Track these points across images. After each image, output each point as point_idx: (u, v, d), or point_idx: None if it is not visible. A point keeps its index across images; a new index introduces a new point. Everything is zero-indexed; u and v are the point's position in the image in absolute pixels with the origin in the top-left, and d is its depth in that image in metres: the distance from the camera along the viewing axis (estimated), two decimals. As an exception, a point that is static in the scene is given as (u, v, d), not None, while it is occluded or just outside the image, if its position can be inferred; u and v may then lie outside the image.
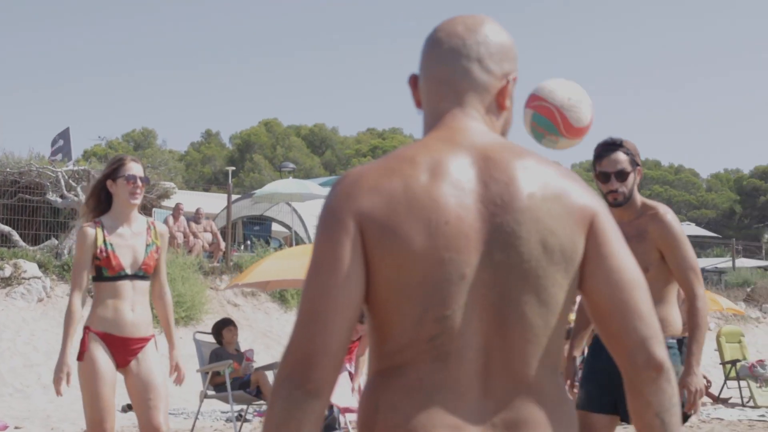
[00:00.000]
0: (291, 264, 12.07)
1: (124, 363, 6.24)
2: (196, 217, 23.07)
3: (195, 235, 22.35)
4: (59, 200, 21.44)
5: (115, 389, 6.22)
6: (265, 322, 20.29)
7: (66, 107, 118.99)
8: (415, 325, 2.15)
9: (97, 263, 6.21)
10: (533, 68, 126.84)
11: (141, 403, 6.23)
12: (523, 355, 2.18)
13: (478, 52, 2.35)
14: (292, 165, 37.10)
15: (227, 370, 11.55)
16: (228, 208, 23.31)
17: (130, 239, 6.30)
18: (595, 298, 2.25)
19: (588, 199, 2.26)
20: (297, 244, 24.89)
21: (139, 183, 6.32)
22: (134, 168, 6.33)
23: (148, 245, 6.33)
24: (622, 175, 5.42)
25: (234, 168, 40.43)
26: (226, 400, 11.68)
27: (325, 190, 25.23)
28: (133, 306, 6.22)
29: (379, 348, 2.22)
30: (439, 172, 2.18)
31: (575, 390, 5.85)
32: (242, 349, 12.75)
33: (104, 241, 6.21)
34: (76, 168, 22.63)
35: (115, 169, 6.33)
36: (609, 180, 5.43)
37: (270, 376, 12.51)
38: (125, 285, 6.21)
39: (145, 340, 6.30)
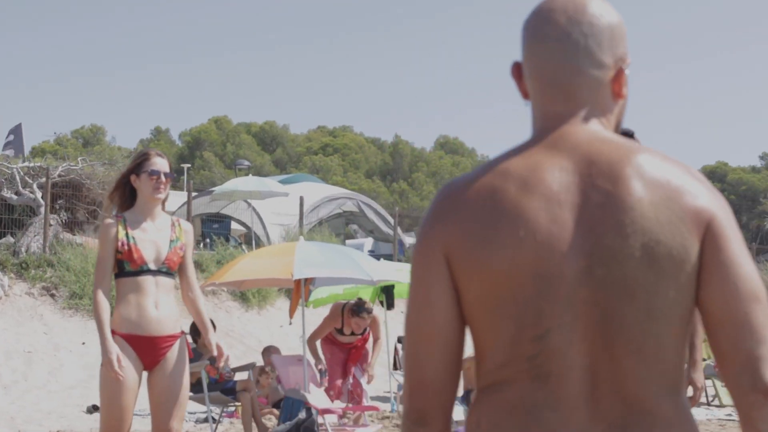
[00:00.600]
0: (267, 263, 11.87)
1: (152, 364, 6.08)
2: (154, 215, 22.77)
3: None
4: (14, 197, 21.08)
5: (137, 396, 6.04)
6: (226, 320, 20.05)
7: (16, 104, 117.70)
8: (511, 343, 2.07)
9: (118, 257, 6.04)
10: (470, 68, 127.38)
11: (158, 405, 6.09)
12: (634, 377, 2.04)
13: (586, 46, 2.15)
14: (247, 162, 36.85)
15: (203, 371, 11.36)
16: (188, 205, 23.04)
17: (152, 234, 6.14)
18: (708, 309, 2.06)
19: (705, 200, 2.07)
20: (256, 242, 24.65)
21: (163, 178, 6.18)
22: (159, 163, 6.20)
23: (172, 241, 6.18)
24: None
25: (189, 165, 40.16)
26: (201, 401, 11.47)
27: (285, 188, 25.04)
28: (156, 303, 6.04)
29: (480, 366, 2.16)
30: (532, 183, 2.06)
31: None
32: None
33: (126, 234, 6.06)
34: (31, 165, 22.29)
35: (139, 164, 6.20)
36: None
37: (245, 375, 12.37)
38: (148, 280, 6.04)
39: (174, 338, 6.12)
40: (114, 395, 5.90)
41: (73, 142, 63.80)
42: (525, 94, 2.25)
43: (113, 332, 5.99)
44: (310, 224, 26.18)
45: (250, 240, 25.32)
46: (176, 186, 37.87)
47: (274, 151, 73.06)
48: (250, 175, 28.71)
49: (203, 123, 72.72)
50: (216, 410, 12.47)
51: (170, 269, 6.12)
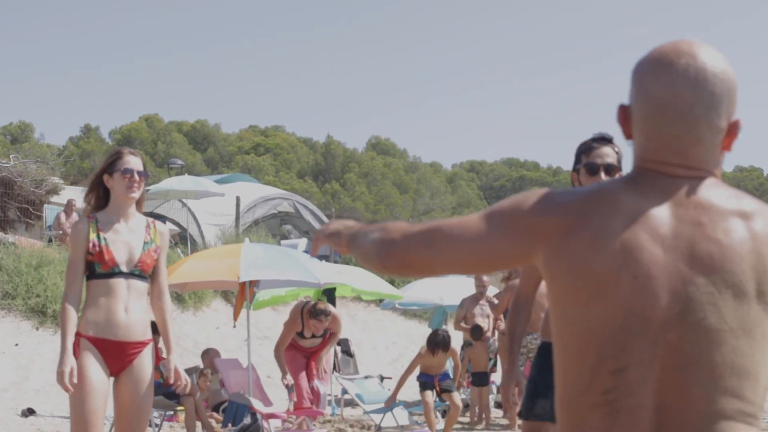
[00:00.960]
0: (212, 265, 11.66)
1: (118, 370, 5.86)
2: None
3: (87, 232, 21.66)
4: (-56, 194, 20.64)
5: (107, 401, 5.83)
6: (161, 322, 19.73)
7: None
8: (591, 373, 2.15)
9: (89, 258, 5.81)
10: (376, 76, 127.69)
11: (123, 415, 5.89)
12: (705, 415, 2.11)
13: (707, 117, 2.18)
14: (180, 162, 36.38)
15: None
16: (123, 204, 22.70)
17: (126, 235, 5.91)
18: None
19: None
20: (191, 242, 24.36)
21: (137, 177, 5.96)
22: (131, 161, 5.97)
23: (146, 243, 5.95)
24: (610, 169, 5.12)
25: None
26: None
27: (220, 188, 24.76)
28: (126, 306, 5.81)
29: (562, 391, 2.23)
30: (641, 222, 2.13)
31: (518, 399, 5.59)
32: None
33: (97, 235, 5.83)
34: (-38, 162, 21.85)
35: (111, 163, 5.97)
36: (596, 173, 5.10)
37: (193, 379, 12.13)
38: (119, 283, 5.81)
39: (142, 344, 5.89)
40: (84, 402, 5.68)
41: (1, 139, 62.78)
42: (628, 136, 2.30)
43: (80, 334, 5.79)
44: (245, 224, 25.95)
45: (185, 240, 25.00)
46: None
47: (206, 150, 72.49)
48: (186, 174, 28.42)
49: (134, 121, 71.78)
50: (155, 414, 12.24)
51: (143, 272, 5.90)
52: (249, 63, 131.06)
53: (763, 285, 2.10)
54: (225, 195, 24.33)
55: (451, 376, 13.25)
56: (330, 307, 11.86)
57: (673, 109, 2.17)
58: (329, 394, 15.22)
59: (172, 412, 13.07)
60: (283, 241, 29.56)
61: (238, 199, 24.94)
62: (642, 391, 2.09)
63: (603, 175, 5.10)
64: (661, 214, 2.14)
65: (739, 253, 2.10)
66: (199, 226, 26.21)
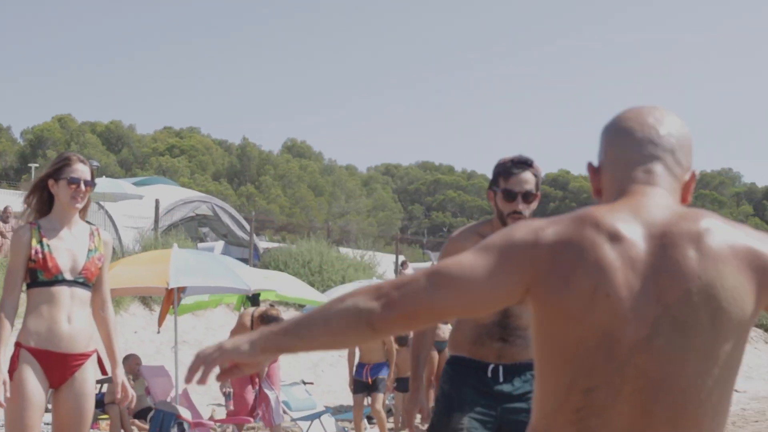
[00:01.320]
0: (140, 271, 11.41)
1: (59, 382, 5.66)
2: (3, 217, 22.00)
3: (3, 235, 21.30)
4: None
5: (43, 414, 5.65)
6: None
7: None
8: (565, 391, 2.22)
9: (31, 266, 5.61)
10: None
11: (60, 427, 5.70)
12: None
13: (670, 143, 2.41)
14: (96, 163, 35.80)
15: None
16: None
17: (69, 242, 5.71)
18: None
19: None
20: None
21: (83, 187, 5.73)
22: (80, 170, 5.74)
23: (90, 250, 5.74)
24: (528, 197, 5.17)
25: (38, 165, 38.94)
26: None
27: (140, 190, 24.47)
28: (69, 316, 5.60)
29: (540, 408, 2.30)
30: (616, 245, 2.22)
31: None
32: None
33: (40, 241, 5.63)
34: None
35: (58, 169, 5.75)
36: (514, 199, 5.15)
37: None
38: (62, 291, 5.61)
39: (85, 356, 5.68)
40: (20, 415, 5.50)
41: None
42: (597, 192, 2.50)
43: (20, 345, 5.60)
44: (164, 227, 25.64)
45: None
46: (12, 186, 36.59)
47: (120, 152, 71.64)
48: (104, 177, 28.00)
49: (46, 121, 70.71)
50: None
51: (87, 280, 5.70)
52: (164, 63, 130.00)
53: (716, 309, 2.18)
54: (143, 197, 24.01)
55: (388, 366, 13.11)
56: (279, 312, 11.54)
57: (641, 133, 2.41)
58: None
59: (93, 420, 12.87)
60: (199, 245, 29.36)
61: (157, 201, 24.62)
62: (608, 412, 2.19)
63: (521, 203, 5.14)
64: (632, 236, 2.23)
65: (696, 273, 2.19)
66: (116, 229, 25.83)
